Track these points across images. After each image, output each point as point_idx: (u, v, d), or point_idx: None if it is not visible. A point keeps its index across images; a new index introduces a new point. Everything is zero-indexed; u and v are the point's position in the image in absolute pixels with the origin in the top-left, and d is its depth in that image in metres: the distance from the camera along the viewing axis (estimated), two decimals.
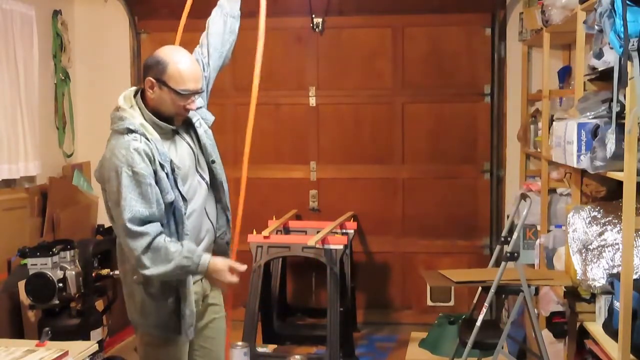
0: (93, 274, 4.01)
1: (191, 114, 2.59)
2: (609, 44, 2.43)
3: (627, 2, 2.29)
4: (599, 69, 3.13)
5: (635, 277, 2.61)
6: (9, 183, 4.47)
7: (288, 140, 5.41)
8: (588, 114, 2.97)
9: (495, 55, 5.19)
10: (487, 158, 5.28)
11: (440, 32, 5.26)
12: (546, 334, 3.65)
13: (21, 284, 3.90)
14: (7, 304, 3.97)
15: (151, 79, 2.47)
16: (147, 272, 2.39)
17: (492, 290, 3.35)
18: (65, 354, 2.73)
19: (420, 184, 5.34)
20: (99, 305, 4.26)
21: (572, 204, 3.40)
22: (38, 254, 3.85)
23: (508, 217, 4.06)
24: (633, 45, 2.26)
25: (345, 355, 4.42)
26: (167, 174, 2.44)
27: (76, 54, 5.35)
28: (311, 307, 5.33)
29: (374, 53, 5.31)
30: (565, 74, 4.63)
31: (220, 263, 2.50)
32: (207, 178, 2.65)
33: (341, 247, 4.27)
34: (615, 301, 2.68)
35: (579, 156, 2.92)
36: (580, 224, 3.09)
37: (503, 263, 3.32)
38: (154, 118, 2.49)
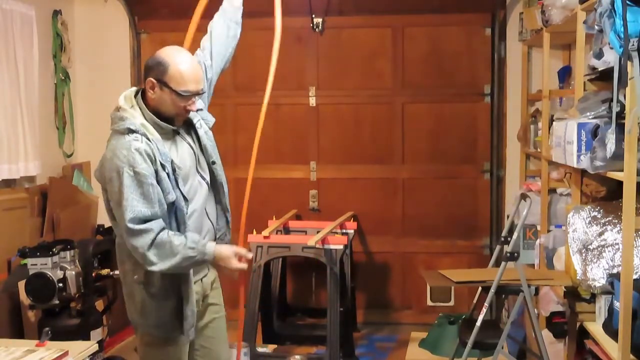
0: (93, 274, 4.01)
1: (192, 114, 2.59)
2: (609, 44, 2.43)
3: (627, 2, 2.29)
4: (599, 69, 3.13)
5: (635, 277, 2.61)
6: (9, 183, 4.47)
7: (288, 140, 5.41)
8: (588, 114, 2.97)
9: (495, 55, 5.19)
10: (487, 158, 5.28)
11: (440, 32, 5.26)
12: (546, 334, 3.65)
13: (21, 284, 3.90)
14: (7, 304, 3.97)
15: (152, 79, 2.47)
16: (155, 268, 2.39)
17: (492, 290, 3.35)
18: (65, 354, 2.73)
19: (420, 184, 5.33)
20: (99, 305, 4.26)
21: (572, 204, 3.40)
22: (38, 254, 3.85)
23: (508, 217, 4.06)
24: (633, 45, 2.26)
25: (345, 355, 4.42)
26: (168, 174, 2.44)
27: (76, 54, 5.35)
28: (311, 307, 5.33)
29: (374, 53, 5.31)
30: (565, 74, 4.63)
31: (226, 250, 2.52)
32: (208, 178, 2.65)
33: (341, 247, 4.27)
34: (615, 301, 2.68)
35: (579, 156, 2.92)
36: (580, 224, 3.09)
37: (503, 263, 3.32)
38: (155, 118, 2.49)
